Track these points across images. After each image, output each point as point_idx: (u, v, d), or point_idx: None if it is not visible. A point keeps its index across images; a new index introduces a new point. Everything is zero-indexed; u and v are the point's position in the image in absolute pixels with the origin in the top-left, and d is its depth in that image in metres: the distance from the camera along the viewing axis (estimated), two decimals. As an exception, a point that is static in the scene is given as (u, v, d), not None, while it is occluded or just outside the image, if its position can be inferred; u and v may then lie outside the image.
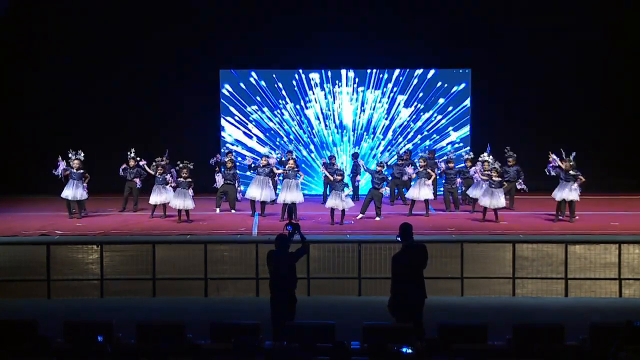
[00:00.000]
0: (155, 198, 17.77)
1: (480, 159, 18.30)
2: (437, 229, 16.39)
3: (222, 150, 20.70)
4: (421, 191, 18.15)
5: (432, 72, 22.39)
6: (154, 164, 18.07)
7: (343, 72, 22.39)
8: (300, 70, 22.35)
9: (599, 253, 14.83)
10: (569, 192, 17.00)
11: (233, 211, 18.63)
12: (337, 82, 22.41)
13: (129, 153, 18.71)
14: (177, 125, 22.11)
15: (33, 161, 21.24)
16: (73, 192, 17.63)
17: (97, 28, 21.85)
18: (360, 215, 17.74)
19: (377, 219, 17.63)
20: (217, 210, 18.74)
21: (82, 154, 17.73)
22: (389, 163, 19.94)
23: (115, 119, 22.10)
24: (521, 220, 17.53)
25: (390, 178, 19.93)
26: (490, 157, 18.07)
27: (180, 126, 22.09)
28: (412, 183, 18.98)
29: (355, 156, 20.92)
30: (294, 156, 18.68)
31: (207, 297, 14.76)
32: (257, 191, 18.01)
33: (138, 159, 18.61)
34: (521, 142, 21.07)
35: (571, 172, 16.98)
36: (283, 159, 18.69)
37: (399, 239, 11.01)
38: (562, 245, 14.87)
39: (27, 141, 22.03)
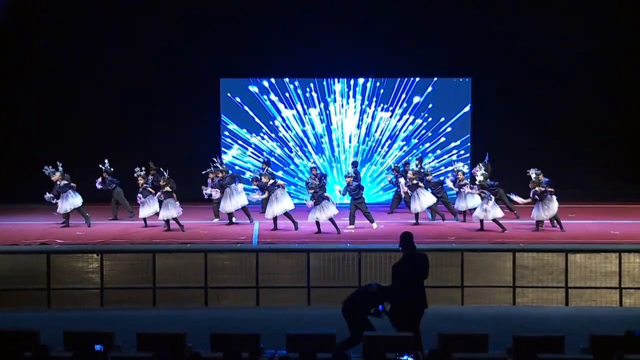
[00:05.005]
0: (144, 211, 17.69)
1: (455, 168, 18.39)
2: (438, 238, 16.39)
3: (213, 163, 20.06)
4: (421, 202, 18.06)
5: (431, 81, 22.36)
6: (135, 174, 18.02)
7: (343, 81, 22.37)
8: (299, 80, 22.36)
9: (600, 262, 14.83)
10: (545, 209, 16.88)
11: (233, 219, 18.62)
12: (335, 91, 22.40)
13: (100, 166, 18.80)
14: (177, 135, 22.06)
15: (33, 170, 21.15)
16: (64, 204, 17.74)
17: (96, 35, 21.83)
18: (351, 226, 17.66)
19: (374, 226, 17.61)
20: (217, 219, 18.78)
21: (60, 165, 17.89)
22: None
23: (115, 127, 22.04)
24: (521, 229, 17.52)
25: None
26: (466, 166, 18.24)
27: (180, 135, 22.03)
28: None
29: (354, 164, 20.91)
30: (266, 171, 18.35)
31: (208, 306, 14.75)
32: (226, 204, 18.01)
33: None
34: (522, 150, 21.11)
35: (538, 188, 16.84)
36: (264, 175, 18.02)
37: (400, 248, 11.01)
38: (563, 254, 14.87)
39: (27, 150, 21.99)
